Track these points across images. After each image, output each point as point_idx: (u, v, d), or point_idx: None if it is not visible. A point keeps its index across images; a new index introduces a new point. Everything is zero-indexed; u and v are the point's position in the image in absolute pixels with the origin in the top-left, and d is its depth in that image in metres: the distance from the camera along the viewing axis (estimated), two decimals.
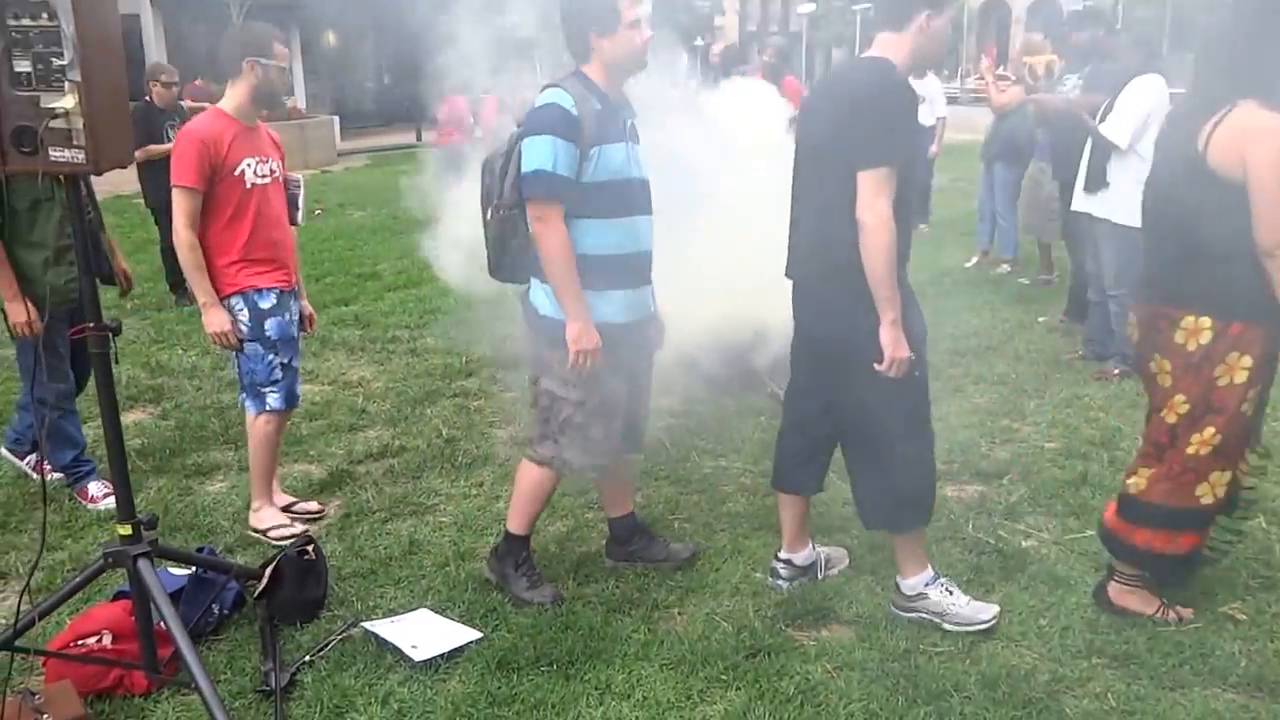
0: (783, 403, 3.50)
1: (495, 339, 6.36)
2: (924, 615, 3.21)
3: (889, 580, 3.44)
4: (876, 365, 2.92)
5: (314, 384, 5.81)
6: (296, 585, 3.25)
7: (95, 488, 4.27)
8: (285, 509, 4.07)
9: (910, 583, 3.23)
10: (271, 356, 3.80)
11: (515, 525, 3.44)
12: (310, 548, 3.37)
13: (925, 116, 10.40)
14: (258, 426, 3.90)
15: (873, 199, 2.82)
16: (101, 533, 4.01)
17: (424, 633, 3.11)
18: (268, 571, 3.23)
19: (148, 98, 7.70)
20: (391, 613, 3.31)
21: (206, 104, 9.86)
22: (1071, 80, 6.76)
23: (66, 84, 2.18)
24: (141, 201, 8.55)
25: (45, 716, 2.65)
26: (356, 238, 11.00)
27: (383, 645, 3.09)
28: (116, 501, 2.73)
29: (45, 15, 2.14)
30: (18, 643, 2.80)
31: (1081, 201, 5.72)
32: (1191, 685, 2.92)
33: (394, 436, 4.94)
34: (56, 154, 2.22)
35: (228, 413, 5.37)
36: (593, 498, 4.21)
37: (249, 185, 3.69)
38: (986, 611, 3.19)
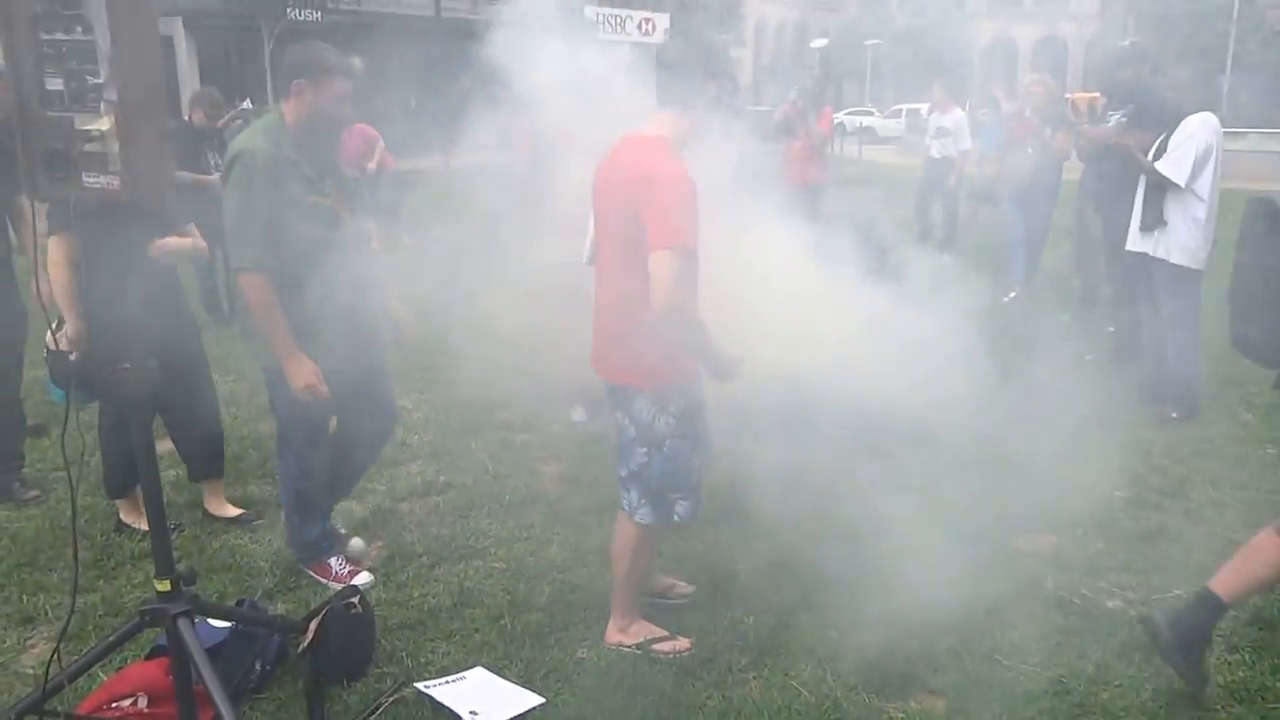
0: None
1: (529, 368, 6.10)
2: None
3: (974, 644, 3.17)
4: None
5: None
6: (344, 640, 3.02)
7: (337, 564, 3.72)
8: (659, 594, 3.53)
9: None
10: (696, 460, 3.14)
11: (1225, 588, 2.90)
12: (356, 599, 3.14)
13: (949, 149, 10.23)
14: (642, 533, 3.17)
15: None
16: (136, 572, 3.81)
17: (482, 696, 2.88)
18: (313, 626, 3.00)
19: (187, 118, 7.58)
20: (444, 671, 3.07)
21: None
22: (1115, 117, 6.54)
23: (102, 104, 1.97)
24: None
25: None
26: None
27: (438, 709, 2.85)
28: (154, 555, 2.51)
29: (79, 29, 1.94)
30: (47, 705, 2.59)
31: (1137, 241, 5.51)
32: None
33: (438, 472, 4.72)
34: (90, 180, 2.01)
35: (265, 443, 5.16)
36: None
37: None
38: None
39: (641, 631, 3.26)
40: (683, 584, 3.57)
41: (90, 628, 3.40)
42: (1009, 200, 8.50)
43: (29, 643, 3.37)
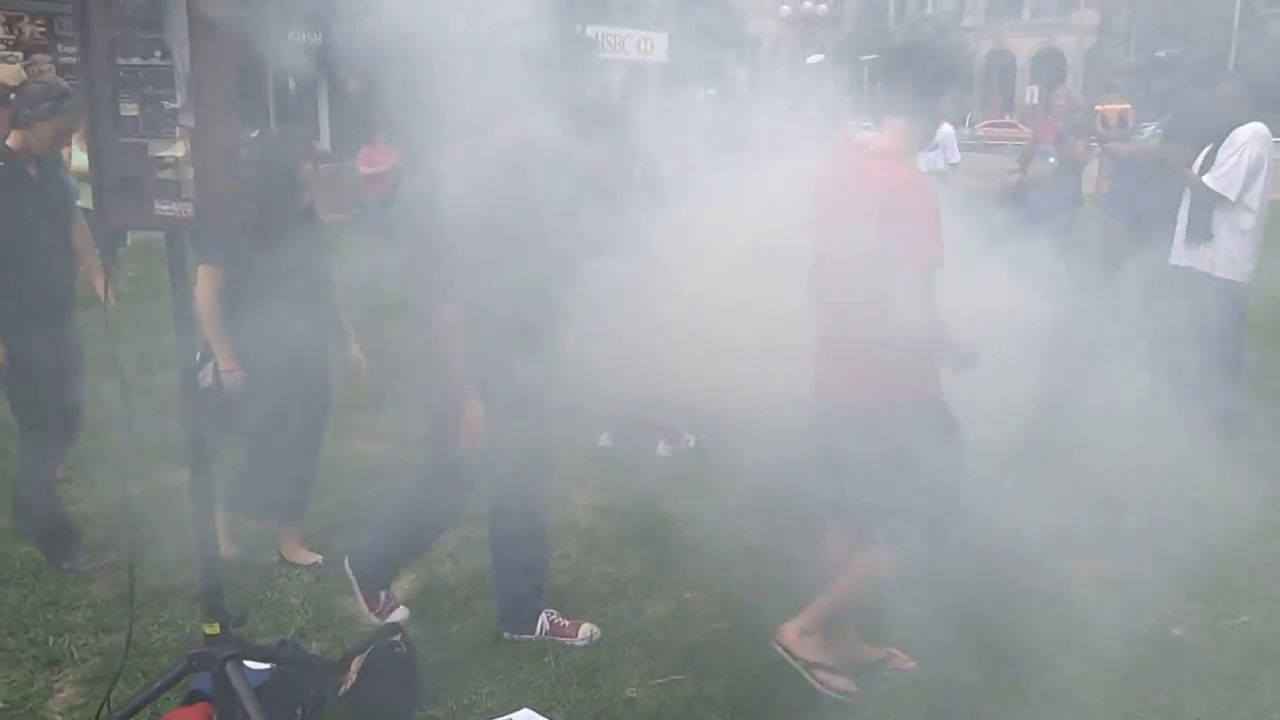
0: None
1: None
2: None
3: (1037, 677, 3.07)
4: None
5: (375, 441, 5.51)
6: (388, 682, 2.92)
7: (386, 598, 3.59)
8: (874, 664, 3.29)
9: None
10: (959, 477, 2.96)
11: None
12: (399, 637, 3.04)
13: (937, 163, 10.25)
14: (896, 562, 2.96)
15: None
16: (161, 610, 3.69)
17: None
18: (355, 666, 2.91)
19: None
20: (490, 713, 2.98)
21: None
22: (1149, 129, 6.51)
23: (178, 130, 1.90)
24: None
25: None
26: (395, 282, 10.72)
27: None
28: (203, 596, 2.42)
29: (158, 53, 1.88)
30: None
31: (1182, 255, 5.46)
32: None
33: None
34: (163, 208, 1.94)
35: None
36: (691, 573, 3.87)
37: None
38: None
39: (813, 649, 3.06)
40: (902, 655, 3.28)
41: (117, 666, 3.28)
42: (1030, 209, 8.48)
43: (55, 686, 3.25)
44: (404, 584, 3.86)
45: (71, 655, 3.39)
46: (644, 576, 3.87)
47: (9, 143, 3.79)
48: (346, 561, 3.58)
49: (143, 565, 3.96)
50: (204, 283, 3.64)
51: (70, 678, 3.29)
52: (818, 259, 3.01)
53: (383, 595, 3.58)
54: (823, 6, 43.44)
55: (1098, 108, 7.23)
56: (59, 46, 17.45)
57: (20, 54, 17.25)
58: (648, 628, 3.46)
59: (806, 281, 3.07)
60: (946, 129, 10.41)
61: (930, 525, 2.90)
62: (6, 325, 3.78)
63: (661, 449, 5.23)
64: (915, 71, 2.86)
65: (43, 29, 18.12)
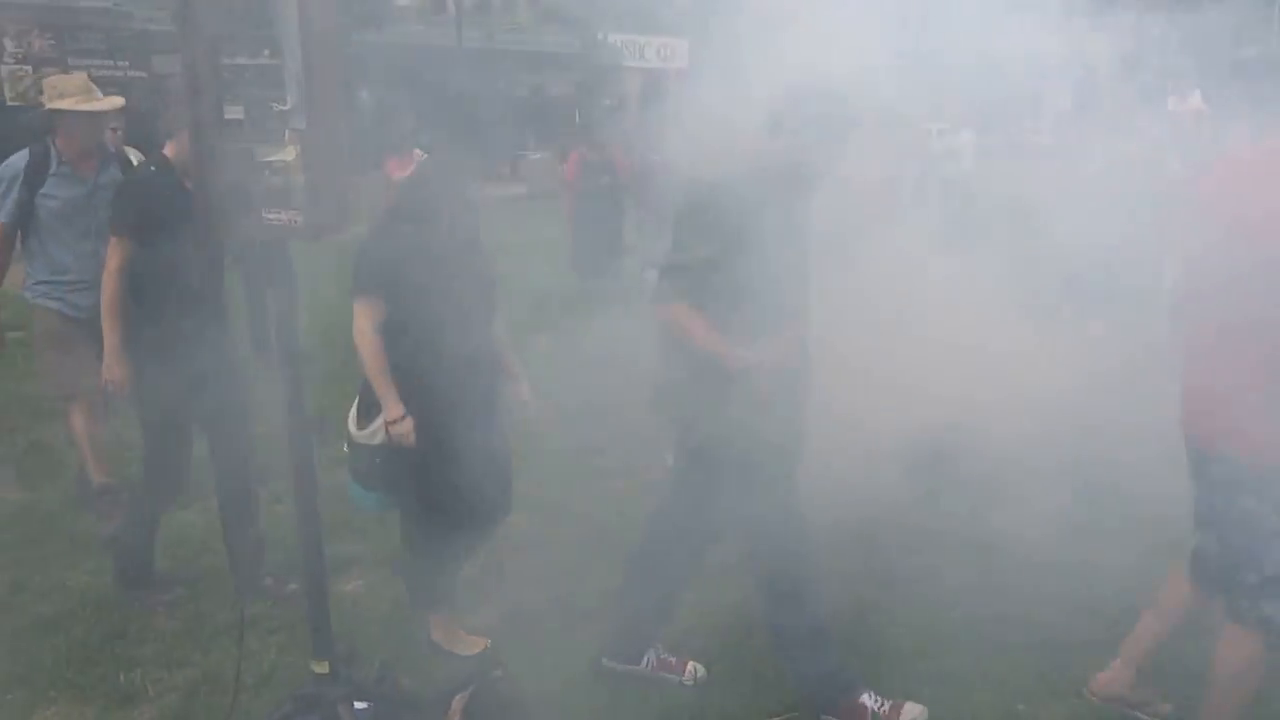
0: None
1: (604, 411, 5.76)
2: None
3: None
4: None
5: None
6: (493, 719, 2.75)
7: (872, 701, 3.01)
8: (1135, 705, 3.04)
9: None
10: None
11: None
12: (501, 673, 2.87)
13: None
14: (1257, 656, 2.62)
15: None
16: (229, 642, 3.51)
17: None
18: (458, 705, 2.73)
19: None
20: None
21: None
22: None
23: (287, 133, 1.74)
24: None
25: None
26: None
27: None
28: (313, 634, 2.26)
29: (266, 52, 1.71)
30: None
31: None
32: None
33: (539, 524, 4.42)
34: (271, 216, 1.78)
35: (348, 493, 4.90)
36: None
37: None
38: None
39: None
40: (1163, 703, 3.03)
41: (198, 704, 3.14)
42: None
43: None
44: (487, 615, 3.67)
45: (145, 691, 3.25)
46: (738, 607, 3.64)
47: (165, 152, 3.46)
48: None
49: (213, 595, 3.86)
50: (362, 319, 3.09)
51: (146, 715, 3.14)
52: (1198, 282, 2.64)
53: (867, 699, 3.04)
54: None
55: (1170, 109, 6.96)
56: (69, 60, 17.55)
57: (30, 67, 17.35)
58: (752, 661, 3.26)
59: (1174, 306, 2.75)
60: (967, 137, 10.06)
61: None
62: (137, 352, 3.59)
63: None
64: None
65: (52, 42, 18.21)
